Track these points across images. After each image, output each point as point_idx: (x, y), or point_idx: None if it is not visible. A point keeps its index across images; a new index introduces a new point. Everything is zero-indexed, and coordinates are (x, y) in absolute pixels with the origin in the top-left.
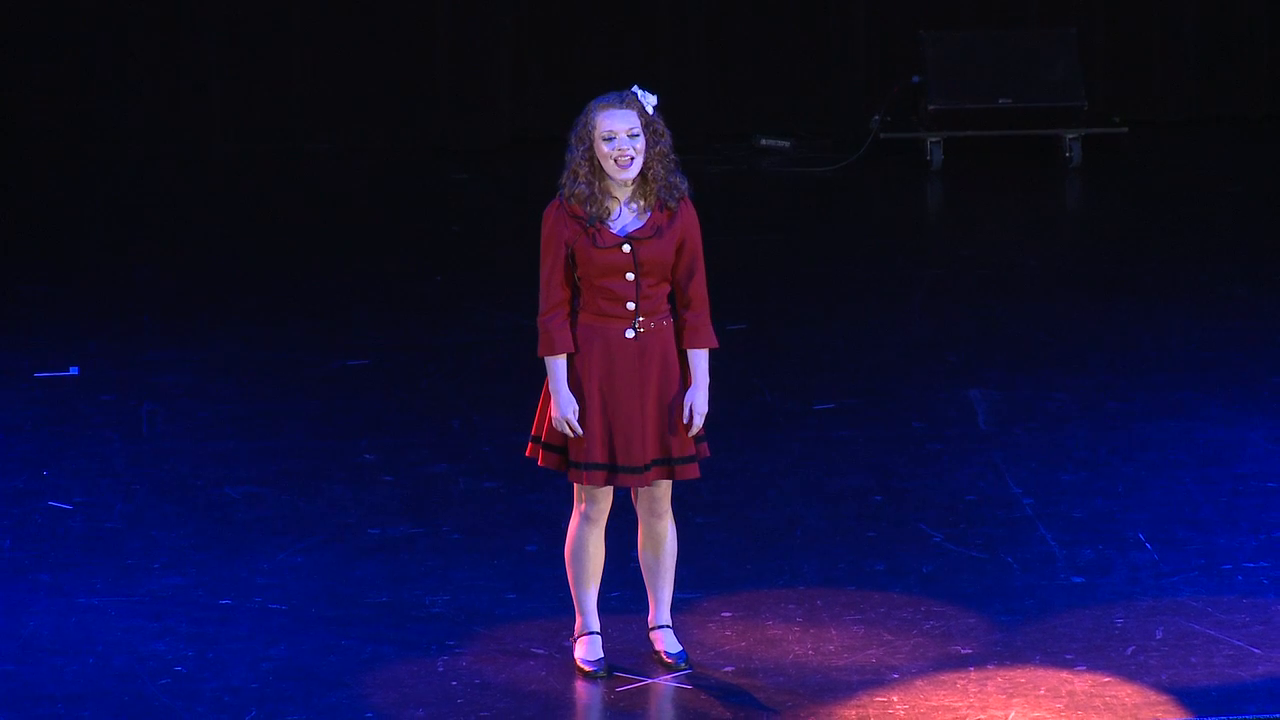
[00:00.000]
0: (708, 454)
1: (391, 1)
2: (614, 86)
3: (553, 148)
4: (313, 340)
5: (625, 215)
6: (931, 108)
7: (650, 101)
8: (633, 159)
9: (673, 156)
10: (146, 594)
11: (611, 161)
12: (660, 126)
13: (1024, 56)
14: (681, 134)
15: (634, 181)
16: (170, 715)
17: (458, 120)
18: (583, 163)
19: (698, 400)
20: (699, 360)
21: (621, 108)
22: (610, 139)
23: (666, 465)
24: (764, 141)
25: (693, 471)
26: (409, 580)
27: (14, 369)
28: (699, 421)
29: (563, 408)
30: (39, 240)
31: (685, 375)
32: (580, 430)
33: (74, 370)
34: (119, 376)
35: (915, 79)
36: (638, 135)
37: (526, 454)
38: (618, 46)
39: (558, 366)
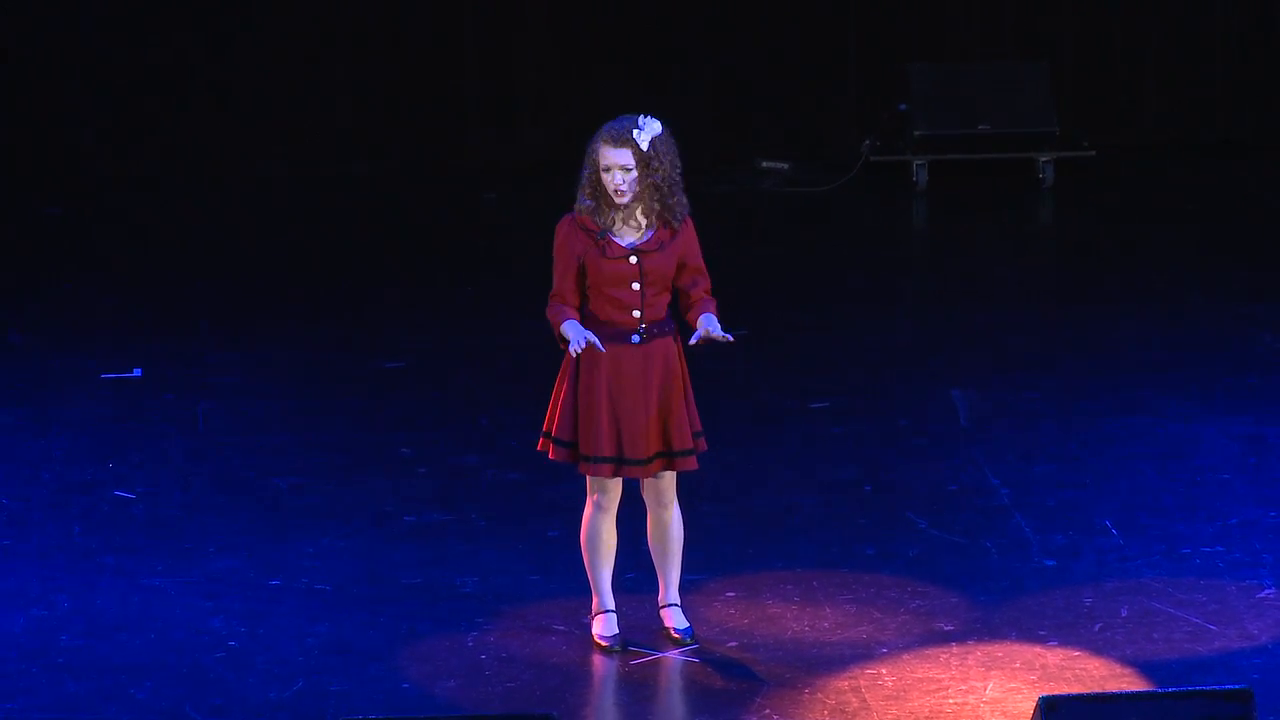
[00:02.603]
0: (705, 448)
1: (425, 37)
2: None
3: (570, 170)
4: (353, 344)
5: (631, 230)
6: (917, 133)
7: (648, 136)
8: (624, 192)
9: (674, 181)
10: (203, 575)
11: (608, 191)
12: (656, 162)
13: (1001, 86)
14: (688, 157)
15: (631, 204)
16: (225, 685)
17: (485, 144)
18: (590, 181)
19: (712, 324)
20: (708, 309)
21: (618, 146)
22: (607, 170)
23: (667, 458)
24: (764, 164)
25: (691, 464)
26: (441, 563)
27: (82, 370)
28: (716, 331)
29: (577, 333)
30: (107, 255)
31: (685, 377)
32: (595, 341)
33: (137, 371)
34: (178, 377)
35: (902, 107)
36: (630, 170)
37: (538, 448)
38: (631, 79)
39: (573, 324)
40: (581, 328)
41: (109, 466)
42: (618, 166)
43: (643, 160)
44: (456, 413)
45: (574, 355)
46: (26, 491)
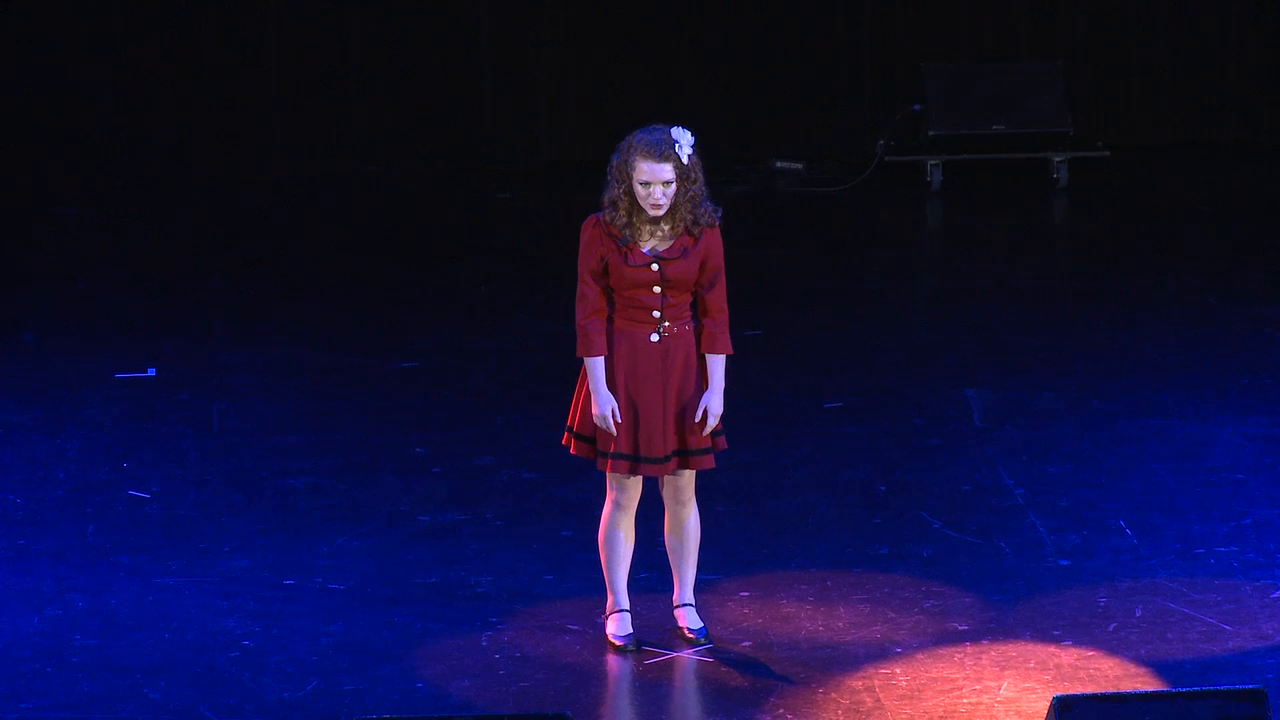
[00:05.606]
0: (724, 447)
1: (442, 40)
2: (641, 116)
3: (584, 170)
4: (368, 344)
5: (655, 238)
6: (932, 133)
7: (687, 148)
8: (663, 205)
9: (704, 192)
10: (217, 575)
11: (646, 204)
12: (694, 173)
13: (1016, 87)
14: (704, 157)
15: (665, 216)
16: (239, 685)
17: (500, 146)
18: (623, 197)
19: (713, 403)
20: (716, 365)
21: (660, 161)
22: (646, 185)
23: (684, 456)
24: (779, 164)
25: (708, 462)
26: (456, 563)
27: (97, 370)
28: (713, 422)
29: (602, 405)
30: (121, 255)
31: (704, 376)
32: (617, 426)
33: (151, 371)
34: (192, 377)
35: (917, 107)
36: (671, 184)
37: (562, 442)
38: (645, 80)
39: (597, 367)
40: (607, 392)
41: (123, 466)
42: (659, 182)
43: (683, 174)
44: (471, 412)
45: (595, 418)
46: (41, 491)
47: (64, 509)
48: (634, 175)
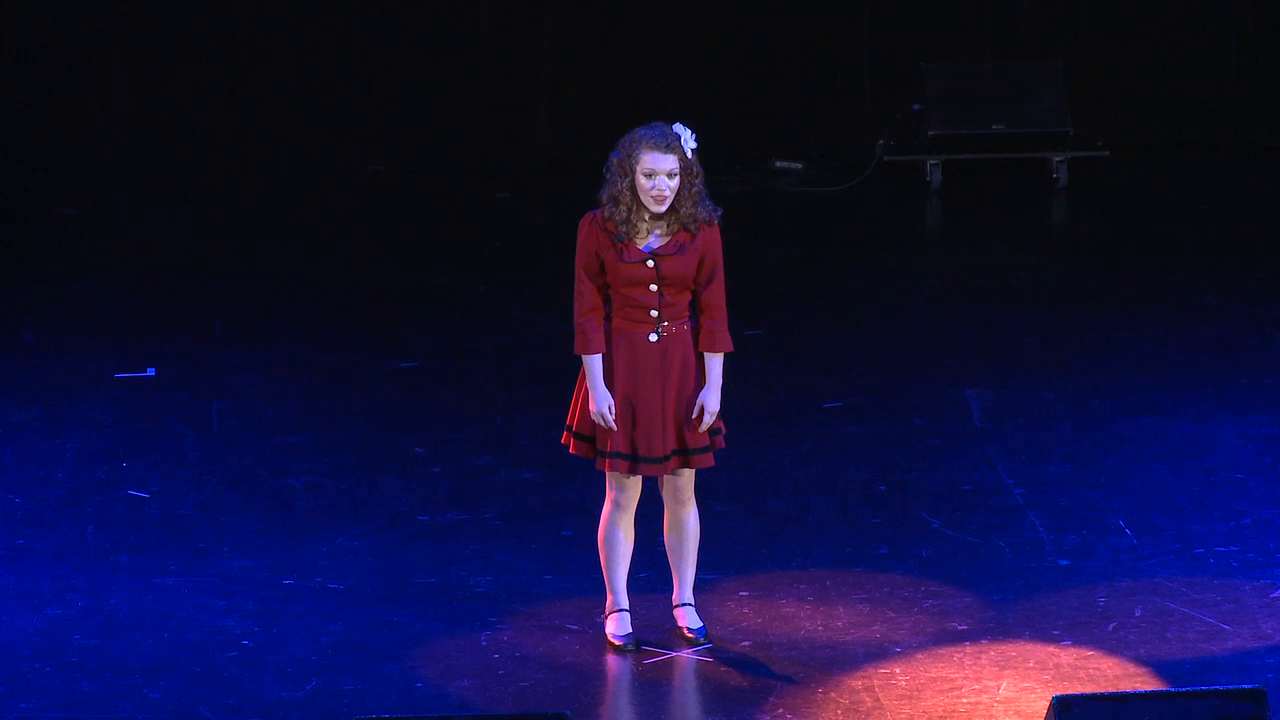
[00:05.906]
0: (723, 445)
1: (441, 40)
2: (641, 116)
3: (583, 169)
4: (368, 344)
5: (652, 235)
6: (931, 133)
7: (691, 142)
8: (667, 197)
9: (702, 190)
10: (216, 574)
11: (649, 196)
12: (696, 168)
13: (1015, 87)
14: (704, 157)
15: (666, 212)
16: (238, 685)
17: (499, 145)
18: (625, 191)
19: (709, 400)
20: (714, 363)
21: (665, 151)
22: (651, 177)
23: (684, 455)
24: (779, 164)
25: (707, 461)
26: (455, 562)
27: (97, 370)
28: (709, 420)
29: (599, 402)
30: (121, 255)
31: (702, 375)
32: (613, 423)
33: (151, 371)
34: (192, 377)
35: (917, 107)
36: (675, 176)
37: (561, 441)
38: (645, 80)
39: (594, 364)
40: (605, 389)
41: (123, 466)
42: (664, 172)
43: (686, 167)
44: (470, 412)
45: (592, 415)
46: (41, 491)
47: (63, 509)
48: (638, 167)
